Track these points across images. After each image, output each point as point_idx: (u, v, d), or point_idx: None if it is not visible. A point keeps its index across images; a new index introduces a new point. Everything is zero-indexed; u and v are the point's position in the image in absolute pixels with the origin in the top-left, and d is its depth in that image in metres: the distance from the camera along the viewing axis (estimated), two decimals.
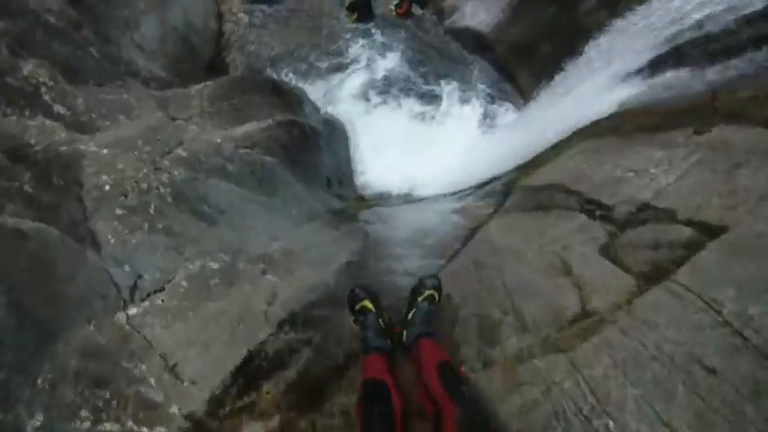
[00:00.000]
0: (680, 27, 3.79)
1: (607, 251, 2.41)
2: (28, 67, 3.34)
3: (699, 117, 2.98)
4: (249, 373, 2.11)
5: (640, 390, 1.66)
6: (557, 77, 5.30)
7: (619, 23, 4.60)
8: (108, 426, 1.87)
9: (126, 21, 6.67)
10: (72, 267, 2.15)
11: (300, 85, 7.17)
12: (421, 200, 5.34)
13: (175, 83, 5.70)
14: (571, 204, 2.94)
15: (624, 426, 1.60)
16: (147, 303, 2.26)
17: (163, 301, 2.29)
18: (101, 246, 2.34)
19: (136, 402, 1.95)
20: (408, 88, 7.63)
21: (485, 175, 4.93)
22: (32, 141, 2.70)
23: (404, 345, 2.26)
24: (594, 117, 3.94)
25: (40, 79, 3.33)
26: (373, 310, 2.32)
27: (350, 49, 8.28)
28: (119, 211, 2.48)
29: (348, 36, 8.51)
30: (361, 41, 8.39)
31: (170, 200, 2.69)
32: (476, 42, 7.60)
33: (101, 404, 1.91)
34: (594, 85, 4.44)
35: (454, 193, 5.04)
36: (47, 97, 3.28)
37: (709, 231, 2.12)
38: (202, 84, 4.22)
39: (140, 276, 2.33)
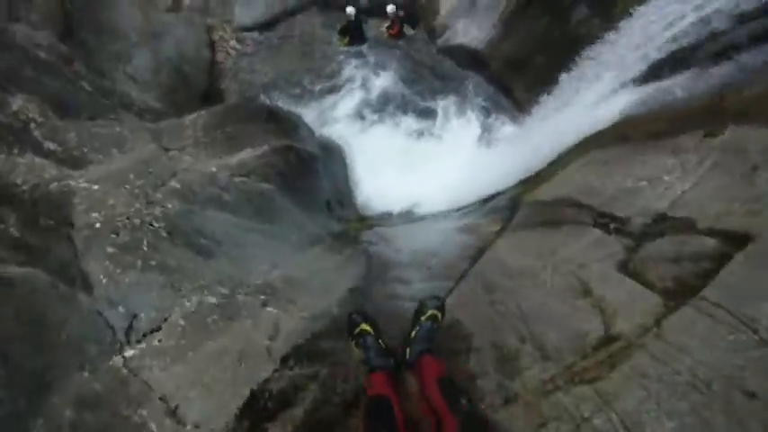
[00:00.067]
0: (678, 29, 3.72)
1: (626, 267, 2.27)
2: (17, 102, 3.28)
3: (707, 119, 2.87)
4: (254, 415, 1.98)
5: (677, 422, 1.51)
6: (553, 89, 5.25)
7: (613, 31, 4.54)
8: None
9: (118, 54, 6.70)
10: (63, 313, 2.04)
11: (295, 109, 7.12)
12: (423, 218, 5.23)
13: (170, 113, 5.66)
14: (583, 219, 2.80)
15: None
16: (143, 345, 2.13)
17: (160, 341, 2.16)
18: (93, 287, 2.22)
19: None
20: (404, 105, 7.65)
21: (487, 190, 4.83)
22: (19, 181, 2.61)
23: (407, 362, 2.28)
24: (597, 127, 3.84)
25: (30, 115, 3.27)
26: (371, 332, 2.34)
27: (343, 71, 8.31)
28: (110, 250, 2.37)
29: (341, 59, 8.56)
30: (354, 63, 8.43)
31: (164, 234, 2.58)
32: (469, 59, 7.62)
33: None
34: (593, 95, 4.38)
35: (457, 210, 4.93)
36: (36, 133, 3.21)
37: (734, 241, 1.99)
38: (196, 113, 4.15)
39: (135, 316, 2.20)
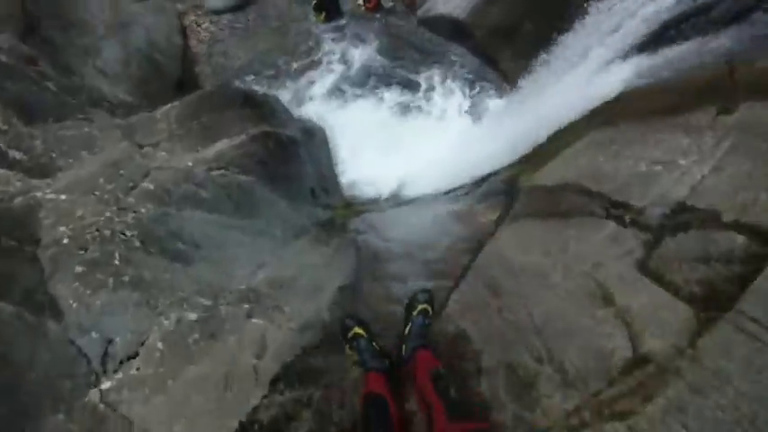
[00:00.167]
0: None
1: (645, 266, 2.05)
2: None
3: (719, 94, 2.59)
4: None
5: None
6: (544, 59, 4.98)
7: None
8: None
9: (86, 48, 6.45)
10: (30, 347, 1.89)
11: (272, 90, 6.97)
12: (411, 201, 5.05)
13: (143, 106, 5.44)
14: (594, 209, 2.53)
15: None
16: (120, 374, 1.99)
17: (138, 369, 2.02)
18: (63, 313, 2.07)
19: None
20: (386, 79, 7.44)
21: (476, 170, 4.63)
22: None
23: (402, 358, 2.30)
24: (596, 100, 3.54)
25: None
26: (364, 335, 2.35)
27: (320, 48, 8.10)
28: (79, 269, 2.21)
29: (317, 35, 8.34)
30: (331, 39, 8.20)
31: (137, 243, 2.43)
32: (452, 29, 7.36)
33: None
34: (590, 64, 4.10)
35: (446, 193, 4.75)
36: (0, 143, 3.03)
37: (764, 237, 1.79)
38: (169, 105, 3.96)
39: (111, 342, 2.06)
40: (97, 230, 2.40)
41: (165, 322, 2.20)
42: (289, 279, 2.74)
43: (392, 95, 7.19)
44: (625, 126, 2.96)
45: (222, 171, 3.26)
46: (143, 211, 2.62)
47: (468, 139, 5.89)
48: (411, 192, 5.37)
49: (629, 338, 1.83)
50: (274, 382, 2.02)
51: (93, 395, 1.93)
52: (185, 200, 2.88)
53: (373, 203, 5.23)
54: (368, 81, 7.45)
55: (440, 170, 5.21)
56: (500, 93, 6.61)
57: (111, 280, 2.23)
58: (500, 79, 6.73)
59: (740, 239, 1.84)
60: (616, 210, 2.41)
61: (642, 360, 1.74)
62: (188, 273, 2.50)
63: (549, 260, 2.42)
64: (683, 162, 2.33)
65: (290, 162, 4.07)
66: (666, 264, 1.99)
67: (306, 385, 2.08)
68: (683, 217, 2.11)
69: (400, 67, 7.52)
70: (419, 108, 6.98)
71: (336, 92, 7.38)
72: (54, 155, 3.18)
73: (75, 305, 2.11)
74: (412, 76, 7.34)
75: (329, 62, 7.83)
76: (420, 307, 2.42)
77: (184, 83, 7.51)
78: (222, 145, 3.50)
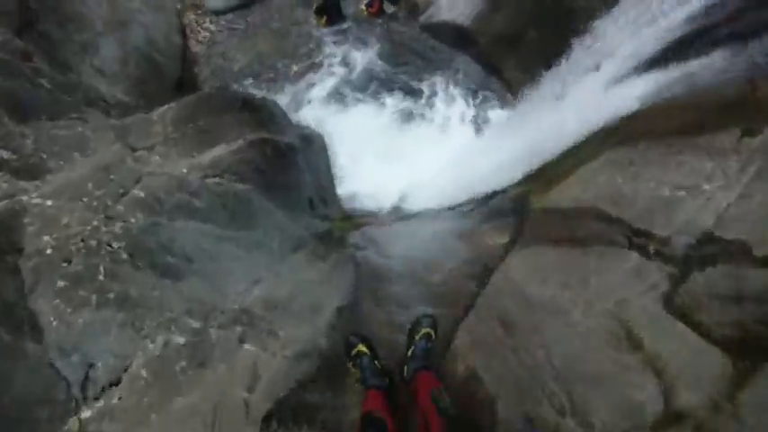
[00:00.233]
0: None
1: (672, 304, 1.91)
2: None
3: (742, 113, 2.44)
4: None
5: None
6: (551, 69, 4.80)
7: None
8: None
9: (84, 45, 6.30)
10: (7, 370, 1.74)
11: (271, 94, 6.86)
12: (413, 216, 4.90)
13: (140, 106, 5.30)
14: (615, 237, 2.38)
15: None
16: (101, 403, 1.84)
17: (121, 398, 1.87)
18: (43, 331, 1.91)
19: None
20: (387, 85, 7.34)
21: (483, 184, 4.47)
22: None
23: (404, 380, 2.33)
24: (610, 115, 3.36)
25: None
26: (368, 353, 2.37)
27: (321, 51, 8.01)
28: (61, 283, 2.05)
29: (318, 38, 8.23)
30: (332, 42, 8.12)
31: (124, 256, 2.28)
32: (456, 36, 7.25)
33: None
34: (603, 77, 3.91)
35: (450, 209, 4.60)
36: None
37: None
38: (166, 106, 3.81)
39: (92, 366, 1.91)
40: (82, 241, 2.24)
41: (151, 346, 2.04)
42: (284, 299, 2.59)
43: (394, 101, 7.09)
44: (644, 146, 2.80)
45: (218, 179, 3.13)
46: (132, 220, 2.47)
47: (470, 151, 5.76)
48: (413, 205, 5.25)
49: (661, 391, 1.68)
50: (266, 419, 1.87)
51: (72, 425, 1.78)
52: (178, 209, 2.74)
53: (373, 216, 5.08)
54: (369, 86, 7.35)
55: (442, 183, 5.08)
56: (503, 103, 6.51)
57: (94, 297, 2.07)
58: (504, 89, 6.64)
59: None
60: (638, 238, 2.26)
61: (677, 416, 1.59)
62: (178, 290, 2.35)
63: (568, 294, 2.27)
64: (707, 187, 2.20)
65: (288, 170, 3.93)
66: (695, 301, 1.86)
67: (300, 424, 1.93)
68: (709, 248, 1.97)
69: (403, 73, 7.42)
70: (422, 115, 6.87)
71: (336, 95, 7.28)
72: (44, 155, 3.03)
73: (55, 323, 1.95)
74: (414, 83, 7.24)
75: (330, 65, 7.73)
76: (423, 331, 2.42)
77: (184, 83, 7.39)
78: (219, 150, 3.36)
